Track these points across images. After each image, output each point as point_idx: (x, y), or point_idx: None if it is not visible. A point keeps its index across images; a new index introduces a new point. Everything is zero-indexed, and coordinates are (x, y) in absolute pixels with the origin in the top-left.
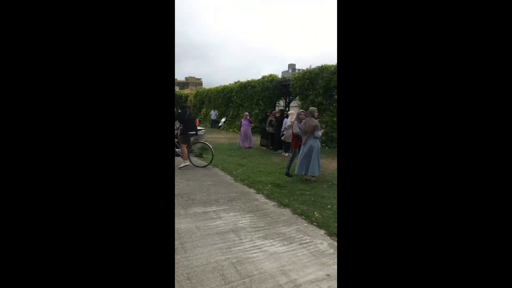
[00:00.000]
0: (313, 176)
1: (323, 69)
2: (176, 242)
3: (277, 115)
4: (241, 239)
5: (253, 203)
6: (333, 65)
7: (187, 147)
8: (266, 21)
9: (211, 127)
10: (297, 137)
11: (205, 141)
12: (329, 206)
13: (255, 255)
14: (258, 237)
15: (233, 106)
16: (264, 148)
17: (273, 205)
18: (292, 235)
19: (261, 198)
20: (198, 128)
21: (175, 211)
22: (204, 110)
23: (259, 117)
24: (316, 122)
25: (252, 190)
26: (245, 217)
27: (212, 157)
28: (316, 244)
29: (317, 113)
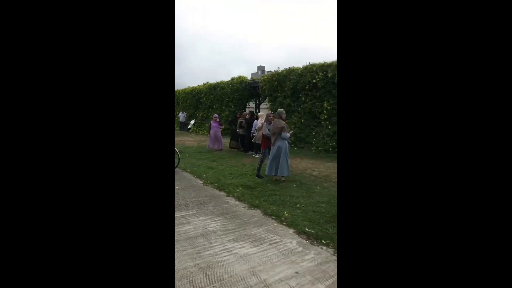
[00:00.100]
0: (283, 177)
1: (290, 71)
2: None
3: (247, 116)
4: (211, 243)
5: (223, 206)
6: (300, 68)
7: None
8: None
9: (180, 130)
10: (266, 139)
11: None
12: (298, 205)
13: (225, 258)
14: (229, 240)
15: (202, 108)
16: (235, 150)
17: (244, 207)
18: (263, 235)
19: (231, 200)
20: None
21: None
22: None
23: (229, 118)
24: (283, 123)
25: (222, 193)
26: (215, 221)
27: (179, 160)
28: (285, 243)
29: (284, 115)
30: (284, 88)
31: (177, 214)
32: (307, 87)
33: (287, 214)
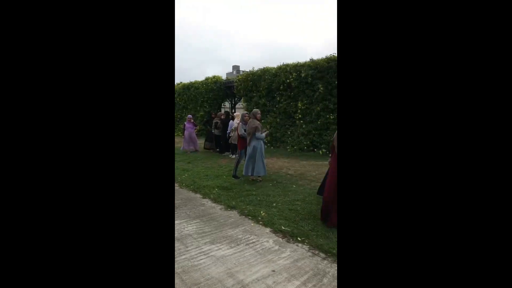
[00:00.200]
0: (259, 176)
1: (265, 71)
2: None
3: (223, 117)
4: (187, 247)
5: (199, 209)
6: (274, 68)
7: None
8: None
9: None
10: (242, 139)
11: None
12: (274, 204)
13: (202, 261)
14: (205, 243)
15: (176, 108)
16: (210, 151)
17: (220, 209)
18: (239, 236)
19: (208, 202)
20: None
21: None
22: None
23: (204, 119)
24: (257, 123)
25: (198, 195)
26: (191, 224)
27: None
28: (262, 242)
29: (259, 115)
30: (259, 88)
31: None
32: (281, 87)
33: (263, 214)
